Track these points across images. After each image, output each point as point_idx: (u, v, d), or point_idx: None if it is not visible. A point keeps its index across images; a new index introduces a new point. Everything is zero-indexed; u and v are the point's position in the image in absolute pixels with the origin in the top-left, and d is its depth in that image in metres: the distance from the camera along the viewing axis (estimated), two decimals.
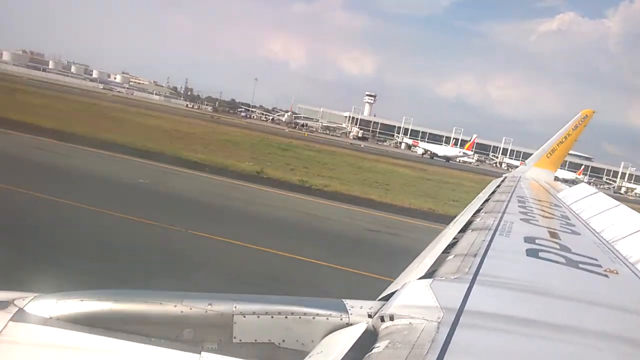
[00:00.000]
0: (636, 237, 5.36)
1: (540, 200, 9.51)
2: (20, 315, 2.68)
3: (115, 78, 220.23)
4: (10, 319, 2.62)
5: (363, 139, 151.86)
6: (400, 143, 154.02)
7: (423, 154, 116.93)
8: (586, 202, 8.76)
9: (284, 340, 2.78)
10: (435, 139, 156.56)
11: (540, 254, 4.08)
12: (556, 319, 2.74)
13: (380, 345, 2.21)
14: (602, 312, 3.03)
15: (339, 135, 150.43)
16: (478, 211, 7.06)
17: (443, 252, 4.20)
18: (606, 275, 3.89)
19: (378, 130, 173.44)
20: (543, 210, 7.73)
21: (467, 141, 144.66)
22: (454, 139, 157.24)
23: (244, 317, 2.76)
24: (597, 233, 5.97)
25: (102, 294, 2.86)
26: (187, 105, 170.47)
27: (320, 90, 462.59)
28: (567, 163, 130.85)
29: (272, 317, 2.79)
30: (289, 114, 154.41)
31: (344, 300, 2.98)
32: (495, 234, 4.82)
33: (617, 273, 4.00)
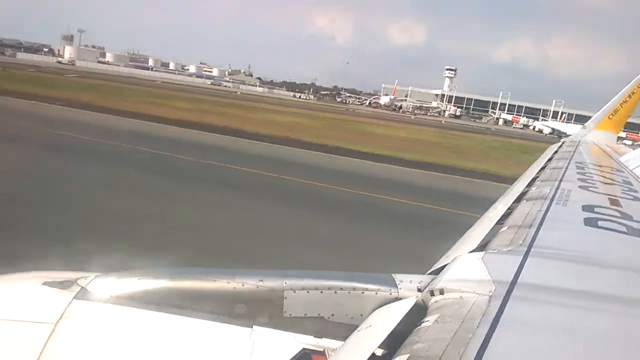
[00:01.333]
0: None
1: (600, 166, 8.97)
2: (83, 294, 2.79)
3: (188, 68, 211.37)
4: (74, 297, 2.73)
5: (457, 117, 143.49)
6: (498, 119, 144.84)
7: (550, 133, 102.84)
8: None
9: (333, 315, 2.81)
10: (533, 113, 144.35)
11: (600, 223, 3.95)
12: (615, 291, 2.66)
13: (429, 320, 2.21)
14: None
15: (434, 114, 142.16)
16: (534, 179, 6.80)
17: (496, 224, 4.12)
18: None
19: (472, 106, 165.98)
20: (603, 176, 7.36)
21: (567, 114, 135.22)
22: (553, 112, 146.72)
23: (294, 292, 2.82)
24: None
25: (159, 273, 2.96)
26: (294, 96, 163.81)
27: (370, 64, 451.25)
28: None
29: (321, 292, 2.83)
30: (391, 97, 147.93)
31: (393, 274, 2.98)
32: (551, 203, 4.70)
33: None
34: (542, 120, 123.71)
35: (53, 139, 25.03)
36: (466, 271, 2.75)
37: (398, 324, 2.47)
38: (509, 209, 4.72)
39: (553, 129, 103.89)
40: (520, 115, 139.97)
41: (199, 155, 24.59)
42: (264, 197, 18.28)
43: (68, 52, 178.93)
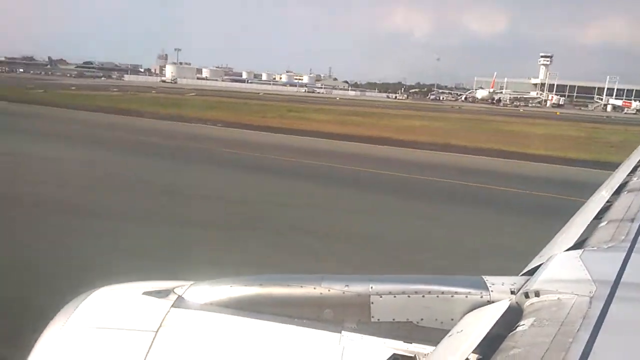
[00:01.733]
0: None
1: None
2: (180, 302, 2.90)
3: (281, 78, 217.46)
4: (172, 306, 2.85)
5: (559, 105, 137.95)
6: (606, 106, 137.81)
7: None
8: None
9: (422, 319, 2.78)
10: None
11: None
12: None
13: (525, 323, 2.15)
14: None
15: (535, 105, 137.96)
16: (635, 169, 6.46)
17: (594, 219, 3.92)
18: None
19: (575, 94, 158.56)
20: None
21: None
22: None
23: (381, 297, 2.81)
24: None
25: (249, 280, 3.03)
26: (387, 97, 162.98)
27: (451, 58, 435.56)
28: None
29: (408, 296, 2.80)
30: (489, 90, 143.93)
31: (483, 277, 2.90)
32: None
33: None
34: None
35: (247, 160, 25.49)
36: (563, 271, 2.66)
37: (491, 328, 2.37)
38: (607, 202, 4.51)
39: None
40: (630, 100, 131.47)
41: (403, 170, 24.44)
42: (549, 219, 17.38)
43: (169, 71, 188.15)
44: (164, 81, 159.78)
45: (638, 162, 6.97)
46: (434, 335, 2.68)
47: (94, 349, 2.62)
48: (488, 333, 2.32)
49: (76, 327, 2.72)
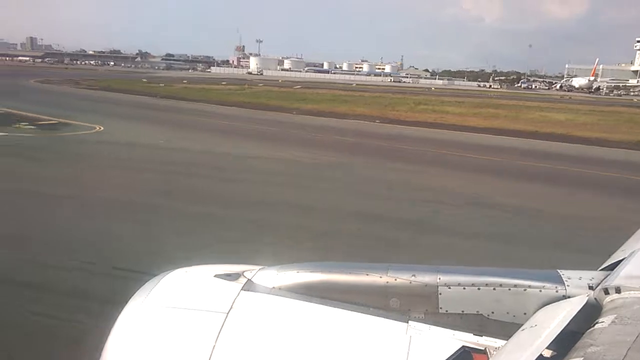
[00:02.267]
0: None
1: None
2: (249, 285, 2.96)
3: (361, 68, 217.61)
4: (242, 289, 2.90)
5: None
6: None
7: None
8: None
9: (493, 312, 2.71)
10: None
11: None
12: None
13: (604, 321, 2.08)
14: None
15: (637, 94, 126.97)
16: None
17: None
18: None
19: None
20: None
21: None
22: None
23: (449, 288, 2.75)
24: None
25: (315, 266, 3.06)
26: (478, 85, 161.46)
27: (523, 43, 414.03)
28: None
29: (478, 288, 2.72)
30: (590, 78, 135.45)
31: (559, 270, 2.81)
32: None
33: None
34: None
35: (482, 163, 24.29)
36: None
37: (567, 324, 2.29)
38: None
39: None
40: None
41: (628, 171, 23.19)
42: None
43: (253, 63, 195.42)
44: (250, 73, 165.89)
45: None
46: (505, 329, 2.62)
47: (169, 328, 2.67)
48: (564, 329, 2.26)
49: (153, 306, 2.81)
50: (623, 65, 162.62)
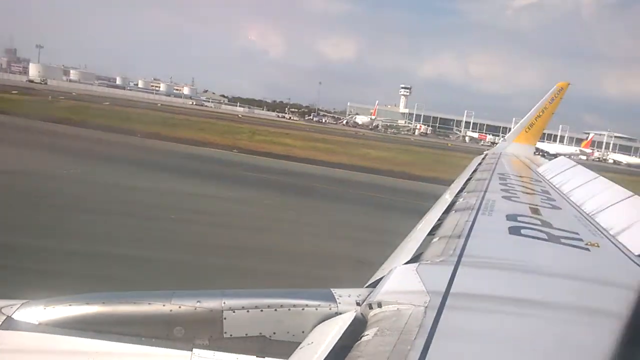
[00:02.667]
0: (615, 208, 5.37)
1: (521, 177, 9.61)
2: (8, 323, 2.70)
3: (136, 83, 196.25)
4: None
5: (425, 135, 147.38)
6: (465, 137, 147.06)
7: (534, 153, 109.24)
8: (566, 175, 8.82)
9: (274, 333, 2.81)
10: (494, 130, 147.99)
11: (523, 232, 4.17)
12: (539, 296, 2.79)
13: (369, 333, 2.25)
14: (584, 287, 3.08)
15: (406, 133, 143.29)
16: (461, 190, 7.11)
17: (428, 235, 4.25)
18: (588, 249, 3.92)
19: (437, 125, 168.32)
20: (524, 187, 7.86)
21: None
22: (508, 129, 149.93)
23: (234, 312, 2.80)
24: (578, 206, 6.06)
25: (90, 298, 2.90)
26: (277, 116, 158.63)
27: (300, 77, 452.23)
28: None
29: (261, 310, 2.81)
30: (371, 117, 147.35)
31: (332, 289, 2.99)
32: (478, 213, 4.87)
33: (598, 246, 4.05)
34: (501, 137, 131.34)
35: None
36: (402, 283, 2.77)
37: (339, 339, 2.49)
38: (439, 220, 4.87)
39: (537, 149, 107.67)
40: (484, 133, 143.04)
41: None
42: None
43: (35, 70, 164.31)
44: (31, 81, 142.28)
45: (464, 185, 7.69)
46: (286, 348, 2.72)
47: None
48: (336, 344, 2.45)
49: None
50: (394, 106, 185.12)
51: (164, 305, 2.81)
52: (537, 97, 17.68)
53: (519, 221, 4.62)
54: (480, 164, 11.83)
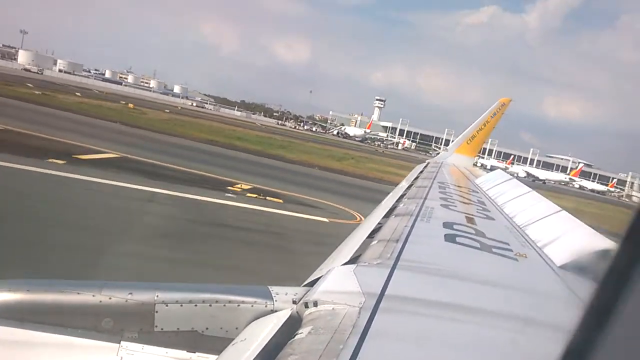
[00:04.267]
0: (544, 222, 5.61)
1: (459, 186, 9.74)
2: None
3: (126, 77, 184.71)
4: None
5: (407, 149, 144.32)
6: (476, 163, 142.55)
7: (525, 177, 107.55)
8: (501, 188, 9.20)
9: (207, 328, 2.79)
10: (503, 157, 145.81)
11: (458, 239, 4.25)
12: (469, 302, 2.87)
13: (303, 332, 2.26)
14: (511, 295, 3.18)
15: (388, 146, 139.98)
16: (402, 196, 7.25)
17: (367, 237, 4.29)
18: (516, 259, 4.05)
19: (418, 140, 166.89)
20: (462, 196, 8.05)
21: (509, 155, 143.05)
22: (496, 152, 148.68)
23: (167, 306, 2.75)
24: (510, 218, 6.31)
25: (13, 284, 2.79)
26: (277, 123, 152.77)
27: (254, 75, 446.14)
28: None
29: (195, 305, 2.78)
30: (365, 130, 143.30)
31: (269, 286, 2.98)
32: (416, 219, 4.98)
33: (526, 257, 4.20)
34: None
35: None
36: (339, 283, 2.79)
37: (273, 337, 2.48)
38: (379, 223, 4.95)
39: (528, 173, 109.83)
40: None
41: None
42: None
43: (25, 57, 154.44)
44: (27, 70, 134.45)
45: (404, 192, 7.84)
46: (218, 344, 2.72)
47: None
48: (269, 341, 2.45)
49: None
50: (363, 116, 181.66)
51: (93, 296, 2.74)
52: (479, 112, 18.07)
53: (455, 229, 4.71)
54: (421, 171, 12.01)
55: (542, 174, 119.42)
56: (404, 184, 9.13)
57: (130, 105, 73.75)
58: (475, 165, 12.44)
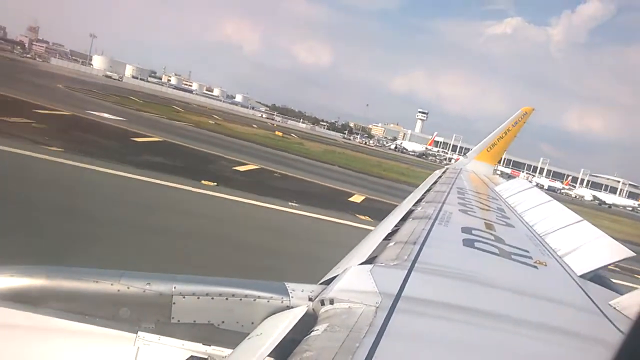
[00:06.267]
0: (565, 231, 5.56)
1: (478, 193, 9.68)
2: None
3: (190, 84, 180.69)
4: None
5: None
6: (495, 171, 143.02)
7: (592, 200, 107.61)
8: (521, 196, 9.14)
9: (223, 322, 2.79)
10: (520, 166, 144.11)
11: (476, 244, 4.20)
12: (487, 307, 2.85)
13: (319, 329, 2.26)
14: (529, 302, 3.17)
15: (443, 162, 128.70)
16: (419, 200, 7.14)
17: (384, 240, 4.22)
18: (535, 267, 4.02)
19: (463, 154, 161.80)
20: (481, 202, 7.94)
21: (558, 174, 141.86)
22: (540, 169, 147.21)
23: (184, 297, 2.75)
24: (530, 226, 6.22)
25: (34, 270, 2.78)
26: (343, 137, 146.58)
27: (274, 77, 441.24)
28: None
29: (212, 298, 2.79)
30: (427, 146, 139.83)
31: (286, 283, 2.98)
32: (434, 223, 4.94)
33: (545, 265, 4.15)
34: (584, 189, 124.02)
35: None
36: (355, 282, 2.79)
37: (289, 333, 2.51)
38: (396, 226, 4.89)
39: (594, 197, 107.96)
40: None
41: None
42: None
43: (101, 63, 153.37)
44: (108, 77, 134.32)
45: (422, 195, 7.83)
46: (234, 338, 2.73)
47: None
48: (285, 337, 2.48)
49: None
50: (396, 125, 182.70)
51: (111, 285, 2.73)
52: (499, 120, 15.86)
53: (474, 234, 4.68)
54: (440, 177, 11.97)
55: (609, 198, 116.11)
56: (422, 189, 9.01)
57: (278, 133, 71.52)
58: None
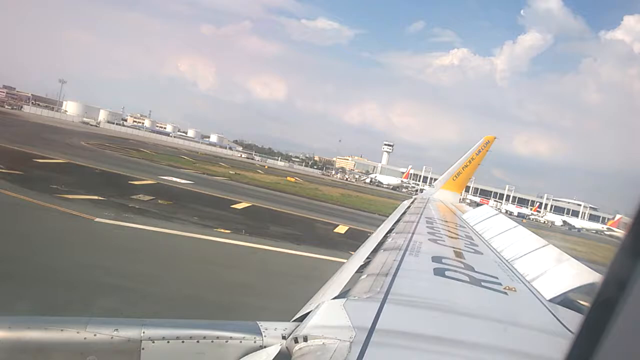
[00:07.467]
0: (532, 256, 5.66)
1: (446, 221, 9.88)
2: None
3: (164, 127, 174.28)
4: None
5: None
6: (463, 200, 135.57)
7: (562, 225, 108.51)
8: (487, 223, 9.27)
9: None
10: (486, 194, 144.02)
11: (447, 273, 4.25)
12: (460, 336, 2.87)
13: None
14: (501, 328, 3.17)
15: (409, 193, 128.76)
16: (390, 231, 7.21)
17: (357, 272, 4.22)
18: (505, 293, 4.05)
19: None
20: (449, 231, 8.09)
21: (523, 200, 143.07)
22: (506, 196, 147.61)
23: (153, 342, 2.65)
24: (498, 252, 6.31)
25: None
26: (322, 174, 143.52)
27: (230, 112, 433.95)
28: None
29: (182, 341, 2.68)
30: (402, 179, 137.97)
31: (258, 322, 2.90)
32: (405, 253, 4.99)
33: (515, 290, 4.18)
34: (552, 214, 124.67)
35: None
36: (329, 318, 2.77)
37: None
38: (367, 258, 4.92)
39: (564, 222, 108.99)
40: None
41: None
42: None
43: (74, 108, 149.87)
44: (85, 123, 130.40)
45: (392, 225, 7.99)
46: None
47: None
48: None
49: None
50: (363, 159, 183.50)
51: (77, 333, 2.59)
52: (451, 148, 16.67)
53: (444, 263, 4.73)
54: (408, 207, 12.12)
55: (578, 222, 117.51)
56: (392, 219, 9.15)
57: (291, 179, 70.54)
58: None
